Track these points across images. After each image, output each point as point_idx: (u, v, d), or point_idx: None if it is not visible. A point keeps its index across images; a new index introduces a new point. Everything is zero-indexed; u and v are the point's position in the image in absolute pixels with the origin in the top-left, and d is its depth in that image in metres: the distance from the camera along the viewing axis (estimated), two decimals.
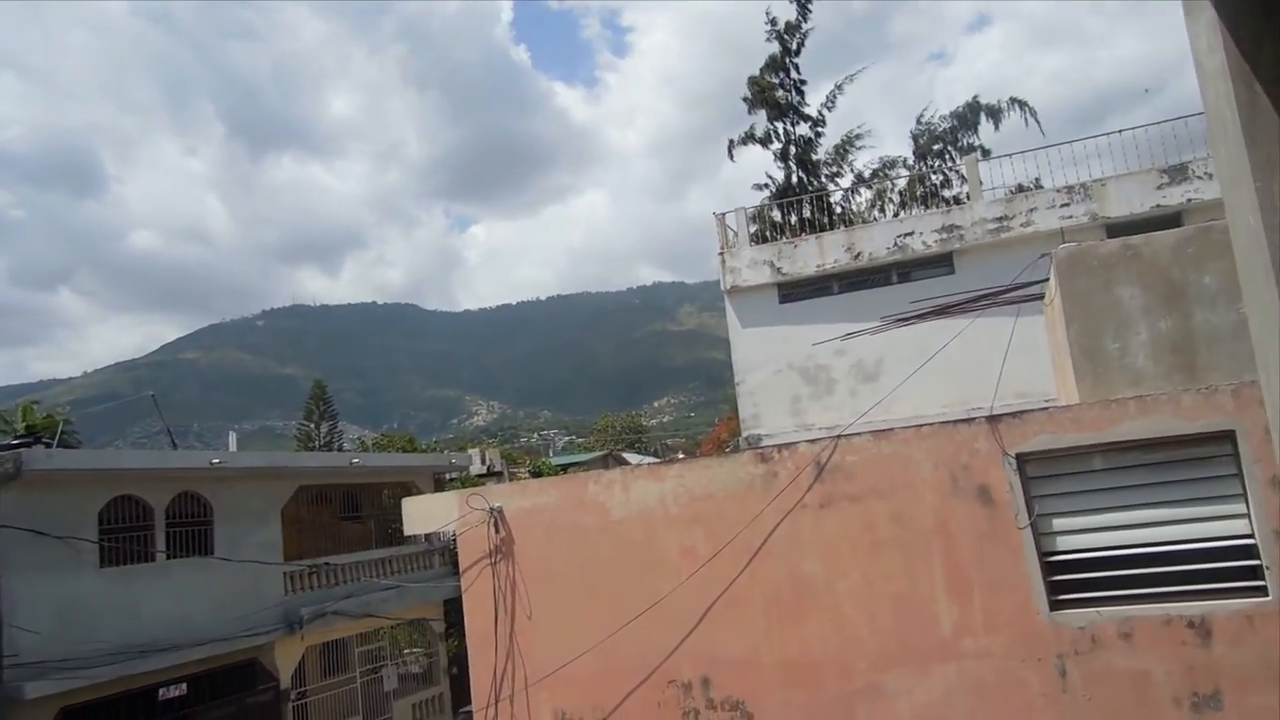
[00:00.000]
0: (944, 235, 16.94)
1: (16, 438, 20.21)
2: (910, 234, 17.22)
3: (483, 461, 36.21)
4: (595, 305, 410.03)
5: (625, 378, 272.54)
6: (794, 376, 17.63)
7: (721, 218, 19.03)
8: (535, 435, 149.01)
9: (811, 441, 7.51)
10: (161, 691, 15.18)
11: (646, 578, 7.69)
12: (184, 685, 15.52)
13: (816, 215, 22.29)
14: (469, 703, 20.79)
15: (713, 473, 7.71)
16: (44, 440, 19.79)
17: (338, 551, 20.37)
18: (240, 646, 16.61)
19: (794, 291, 18.09)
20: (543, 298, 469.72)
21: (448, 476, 25.36)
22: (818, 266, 17.75)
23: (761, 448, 7.99)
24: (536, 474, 37.06)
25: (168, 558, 15.97)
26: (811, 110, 30.01)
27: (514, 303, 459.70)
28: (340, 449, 55.40)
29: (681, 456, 31.03)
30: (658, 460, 34.02)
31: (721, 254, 18.63)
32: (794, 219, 26.51)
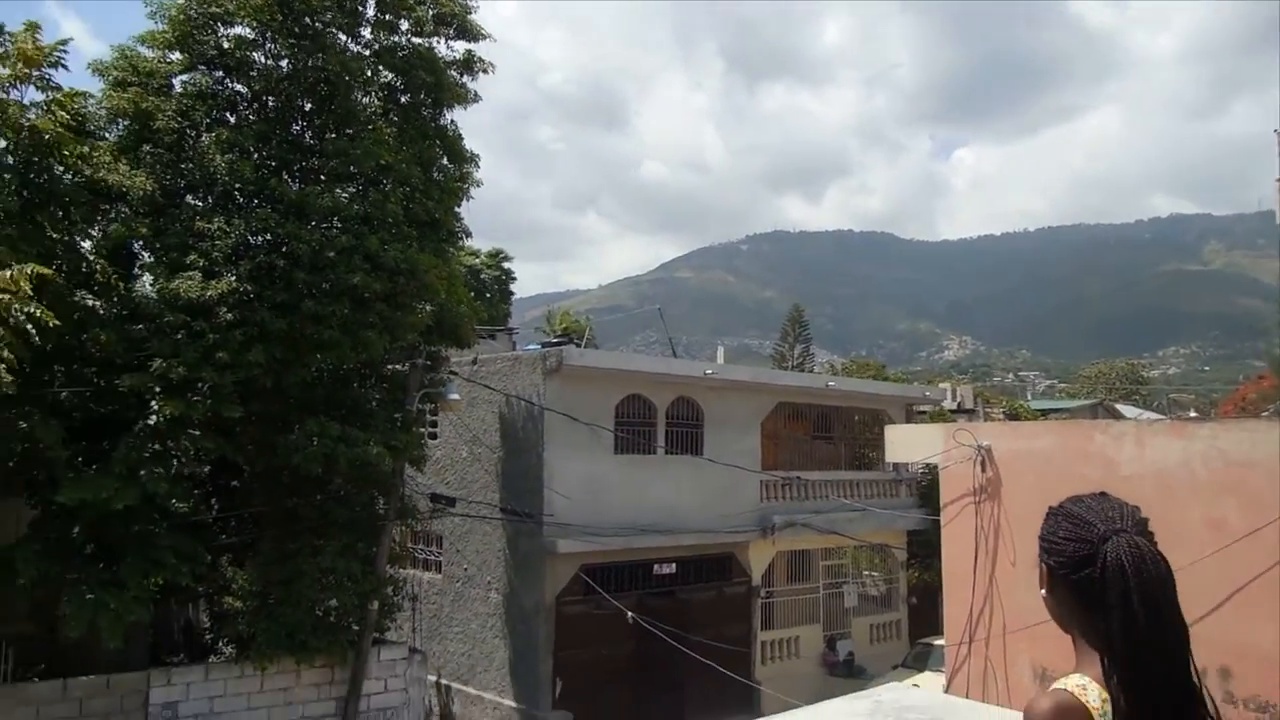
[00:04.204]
0: None
1: (555, 338, 24.29)
2: None
3: (953, 397, 34.95)
4: (1093, 238, 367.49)
5: (1122, 321, 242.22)
6: None
7: None
8: (1010, 375, 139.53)
9: None
10: (656, 567, 17.47)
11: (1159, 545, 6.89)
12: (674, 565, 17.68)
13: None
14: (926, 634, 20.76)
15: (1258, 437, 6.57)
16: (574, 341, 23.51)
17: (808, 468, 21.27)
18: (720, 540, 18.37)
19: None
20: (1031, 229, 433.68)
21: (918, 409, 24.98)
22: None
23: None
24: (1013, 416, 34.90)
25: (665, 453, 18.08)
26: None
27: (997, 233, 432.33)
28: (811, 371, 57.50)
29: (1193, 415, 26.83)
30: (1161, 417, 29.92)
31: None
32: None
